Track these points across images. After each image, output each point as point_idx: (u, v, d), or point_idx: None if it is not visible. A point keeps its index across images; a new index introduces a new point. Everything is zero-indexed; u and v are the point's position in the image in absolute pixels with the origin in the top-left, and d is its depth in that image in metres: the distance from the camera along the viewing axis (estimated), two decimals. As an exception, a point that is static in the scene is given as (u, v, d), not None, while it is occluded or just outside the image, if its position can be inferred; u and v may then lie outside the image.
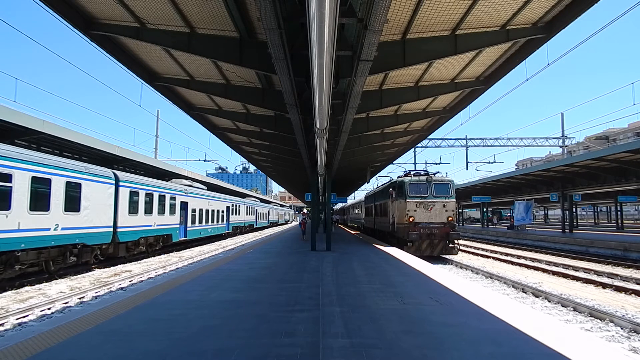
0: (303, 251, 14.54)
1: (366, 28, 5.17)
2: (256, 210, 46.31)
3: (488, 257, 19.33)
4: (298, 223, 46.97)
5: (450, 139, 32.75)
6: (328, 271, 9.31)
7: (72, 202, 12.73)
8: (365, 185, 38.45)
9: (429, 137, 21.56)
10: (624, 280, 12.23)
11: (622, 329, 7.19)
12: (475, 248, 24.25)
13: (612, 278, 12.67)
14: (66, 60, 18.12)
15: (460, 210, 50.75)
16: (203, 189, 26.81)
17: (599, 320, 7.79)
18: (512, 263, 16.84)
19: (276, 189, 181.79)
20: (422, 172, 18.14)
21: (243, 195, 44.89)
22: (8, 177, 10.18)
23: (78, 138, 14.36)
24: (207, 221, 26.65)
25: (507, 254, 20.24)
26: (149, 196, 18.06)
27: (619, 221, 33.88)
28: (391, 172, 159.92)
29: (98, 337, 4.26)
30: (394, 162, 26.67)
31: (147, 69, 9.73)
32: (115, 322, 4.83)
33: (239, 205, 37.28)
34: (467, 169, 60.48)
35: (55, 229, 11.85)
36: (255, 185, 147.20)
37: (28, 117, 11.91)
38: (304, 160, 14.86)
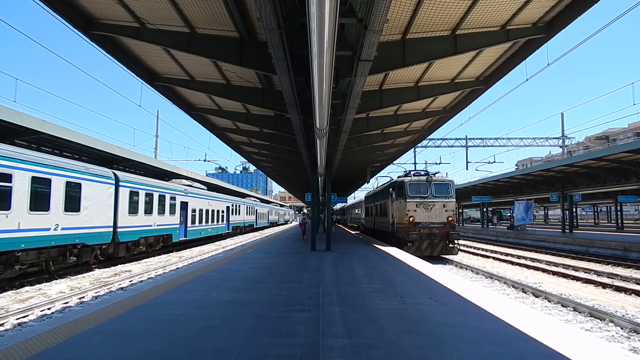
0: (303, 251, 14.54)
1: (366, 28, 5.17)
2: (256, 210, 46.31)
3: (488, 257, 19.32)
4: (298, 223, 46.97)
5: (450, 139, 32.78)
6: (328, 271, 9.31)
7: (72, 202, 12.73)
8: (365, 185, 38.47)
9: (429, 137, 21.57)
10: (624, 280, 12.23)
11: (622, 329, 7.18)
12: (475, 248, 24.25)
13: (612, 278, 12.67)
14: (66, 60, 18.12)
15: (460, 210, 50.75)
16: (203, 189, 26.81)
17: (599, 320, 7.79)
18: (512, 263, 16.84)
19: (276, 189, 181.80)
20: (422, 172, 18.14)
21: (243, 195, 44.89)
22: (8, 177, 10.18)
23: (78, 138, 14.36)
24: (207, 221, 26.65)
25: (507, 254, 20.24)
26: (149, 196, 18.06)
27: (619, 221, 33.87)
28: (391, 172, 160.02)
29: (98, 337, 4.26)
30: (394, 162, 26.69)
31: (147, 69, 9.73)
32: (115, 322, 4.83)
33: (239, 205, 37.28)
34: (467, 169, 60.51)
35: (55, 229, 11.85)
36: (255, 185, 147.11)
37: (28, 117, 11.91)
38: (304, 160, 14.86)
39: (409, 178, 17.41)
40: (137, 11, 7.08)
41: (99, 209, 14.21)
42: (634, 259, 17.29)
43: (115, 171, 15.81)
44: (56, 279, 12.32)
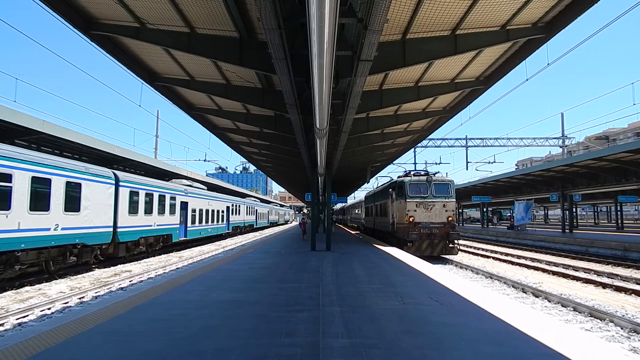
0: (303, 251, 14.54)
1: (366, 28, 5.17)
2: (256, 210, 46.31)
3: (488, 257, 19.32)
4: (298, 223, 46.95)
5: (450, 139, 32.78)
6: (328, 271, 9.31)
7: (72, 202, 12.73)
8: (365, 185, 38.50)
9: (429, 137, 21.57)
10: (624, 280, 12.23)
11: (622, 329, 7.18)
12: (475, 248, 24.25)
13: (612, 278, 12.67)
14: (66, 60, 18.12)
15: (460, 210, 50.75)
16: (203, 189, 26.81)
17: (599, 320, 7.79)
18: (512, 263, 16.84)
19: (276, 189, 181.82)
20: (422, 172, 18.14)
21: (243, 195, 44.89)
22: (8, 177, 10.18)
23: (78, 138, 14.36)
24: (207, 221, 26.65)
25: (507, 254, 20.24)
26: (149, 196, 18.06)
27: (619, 221, 33.87)
28: (391, 172, 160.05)
29: (98, 337, 4.26)
30: (394, 162, 26.69)
31: (147, 69, 9.73)
32: (115, 322, 4.83)
33: (239, 205, 37.28)
34: (467, 169, 60.50)
35: (55, 229, 11.85)
36: (255, 185, 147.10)
37: (28, 117, 11.91)
38: (304, 160, 14.85)
39: (409, 178, 17.41)
40: (137, 11, 7.08)
41: (99, 209, 14.21)
42: (634, 259, 17.29)
43: (115, 171, 15.81)
44: (56, 279, 12.31)
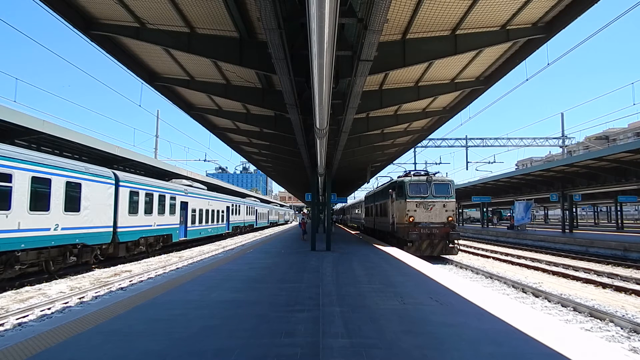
0: (303, 251, 14.54)
1: (366, 28, 5.17)
2: (256, 210, 46.31)
3: (488, 257, 19.33)
4: (298, 223, 46.94)
5: (450, 139, 32.78)
6: (328, 271, 9.31)
7: (72, 202, 12.73)
8: (365, 185, 38.48)
9: (429, 137, 21.57)
10: (624, 280, 12.23)
11: (622, 329, 7.18)
12: (475, 248, 24.25)
13: (612, 278, 12.67)
14: (66, 60, 18.13)
15: (460, 210, 50.75)
16: (203, 189, 26.80)
17: (599, 320, 7.79)
18: (512, 263, 16.84)
19: (276, 189, 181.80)
20: (422, 172, 18.13)
21: (243, 195, 44.89)
22: (8, 177, 10.18)
23: (78, 138, 14.36)
24: (207, 221, 26.65)
25: (507, 254, 20.24)
26: (149, 196, 18.06)
27: (619, 221, 33.88)
28: (391, 172, 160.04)
29: (98, 337, 4.26)
30: (394, 162, 26.69)
31: (147, 69, 9.73)
32: (115, 322, 4.83)
33: (239, 205, 37.28)
34: (467, 169, 60.51)
35: (55, 229, 11.85)
36: (255, 185, 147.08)
37: (28, 117, 11.91)
38: (304, 160, 14.85)
39: (409, 178, 17.41)
40: (137, 11, 7.08)
41: (99, 209, 14.21)
42: (634, 259, 17.29)
43: (115, 171, 15.81)
44: (56, 279, 12.31)
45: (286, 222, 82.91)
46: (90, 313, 5.29)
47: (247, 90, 10.65)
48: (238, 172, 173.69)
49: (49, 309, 8.96)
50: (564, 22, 7.27)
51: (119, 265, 15.84)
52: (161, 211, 19.29)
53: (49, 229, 11.59)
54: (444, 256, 17.13)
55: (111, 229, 15.02)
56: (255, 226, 46.14)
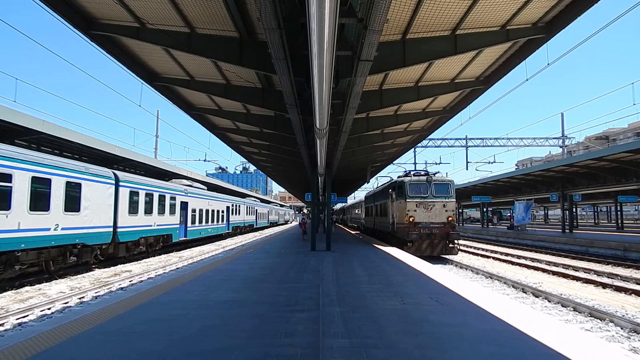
0: (303, 251, 14.54)
1: (366, 28, 5.17)
2: (256, 210, 46.31)
3: (488, 257, 19.32)
4: (298, 223, 46.95)
5: (450, 139, 32.79)
6: (328, 271, 9.31)
7: (72, 202, 12.73)
8: (365, 185, 38.50)
9: (429, 137, 21.56)
10: (624, 280, 12.23)
11: (622, 329, 7.18)
12: (475, 248, 24.25)
13: (612, 278, 12.67)
14: (66, 60, 18.14)
15: (460, 210, 50.74)
16: (203, 189, 26.80)
17: (599, 320, 7.78)
18: (512, 263, 16.84)
19: (276, 189, 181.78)
20: (422, 172, 18.13)
21: (243, 195, 44.89)
22: (8, 177, 10.17)
23: (78, 138, 14.37)
24: (207, 221, 26.65)
25: (507, 254, 20.23)
26: (149, 196, 18.06)
27: (619, 221, 33.88)
28: (391, 172, 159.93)
29: (98, 337, 4.26)
30: (394, 162, 26.70)
31: (147, 69, 9.73)
32: (115, 322, 4.83)
33: (239, 205, 37.28)
34: (467, 169, 60.51)
35: (55, 229, 11.85)
36: (255, 185, 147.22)
37: (28, 117, 11.91)
38: (304, 160, 14.86)
39: (409, 178, 17.41)
40: (137, 11, 7.08)
41: (99, 209, 14.21)
42: (634, 259, 17.29)
43: (115, 171, 15.81)
44: (56, 279, 12.31)
45: (286, 222, 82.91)
46: (90, 313, 5.29)
47: (247, 90, 10.65)
48: (238, 172, 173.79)
49: (49, 309, 8.96)
50: (564, 22, 7.28)
51: (119, 265, 15.83)
52: (161, 211, 19.29)
53: (49, 229, 11.58)
54: (444, 256, 17.12)
55: (111, 229, 15.01)
56: (255, 226, 46.14)
